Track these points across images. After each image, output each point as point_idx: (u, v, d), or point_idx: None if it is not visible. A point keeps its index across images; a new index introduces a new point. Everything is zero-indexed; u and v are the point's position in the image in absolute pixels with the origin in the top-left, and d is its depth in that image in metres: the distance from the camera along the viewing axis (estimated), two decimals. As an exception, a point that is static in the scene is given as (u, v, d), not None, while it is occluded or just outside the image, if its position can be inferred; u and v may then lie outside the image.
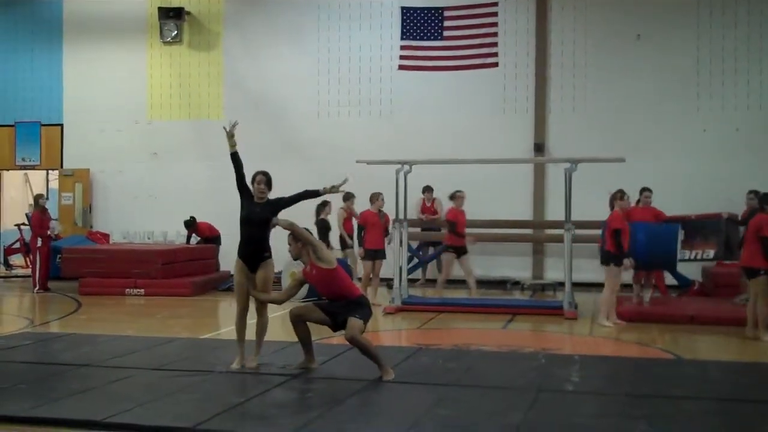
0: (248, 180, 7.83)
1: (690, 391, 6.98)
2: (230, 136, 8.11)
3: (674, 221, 12.31)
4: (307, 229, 7.53)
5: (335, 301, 7.54)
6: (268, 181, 7.83)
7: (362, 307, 7.49)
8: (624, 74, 16.40)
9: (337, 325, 7.50)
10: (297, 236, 7.45)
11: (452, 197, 13.58)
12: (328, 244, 13.79)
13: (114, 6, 18.75)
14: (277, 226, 7.58)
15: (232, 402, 6.47)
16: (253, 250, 7.75)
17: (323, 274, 7.45)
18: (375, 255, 13.23)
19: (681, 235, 11.98)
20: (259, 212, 7.72)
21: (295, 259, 7.69)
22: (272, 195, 7.85)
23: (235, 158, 7.91)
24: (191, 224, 16.79)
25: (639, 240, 11.36)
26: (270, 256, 7.80)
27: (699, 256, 12.26)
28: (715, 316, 11.43)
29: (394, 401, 6.70)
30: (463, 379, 7.39)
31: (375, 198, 13.32)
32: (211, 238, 16.95)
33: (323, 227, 13.80)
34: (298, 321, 7.60)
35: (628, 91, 16.36)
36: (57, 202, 19.20)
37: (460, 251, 13.42)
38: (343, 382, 7.17)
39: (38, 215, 15.53)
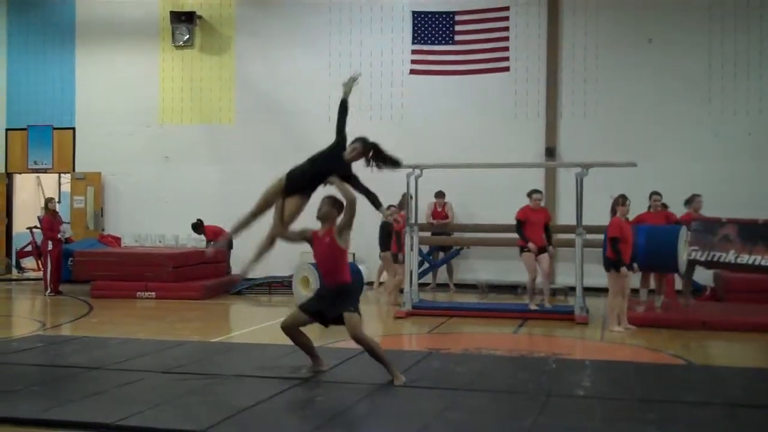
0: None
1: (701, 397, 6.95)
2: (353, 80, 8.05)
3: (735, 224, 12.17)
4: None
5: (325, 287, 7.55)
6: (364, 152, 7.72)
7: (352, 296, 7.59)
8: (635, 79, 16.36)
9: (328, 320, 7.53)
10: (348, 208, 7.38)
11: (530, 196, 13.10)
12: (388, 248, 13.91)
13: (126, 10, 18.82)
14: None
15: (242, 405, 6.47)
16: (303, 181, 7.62)
17: (333, 249, 7.44)
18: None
19: (687, 236, 11.91)
20: (336, 161, 7.62)
21: (318, 218, 7.58)
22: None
23: (344, 105, 7.93)
24: (198, 227, 16.80)
25: (639, 242, 11.34)
26: (308, 199, 7.69)
27: (758, 262, 11.99)
28: (727, 322, 11.38)
29: (404, 405, 6.70)
30: (474, 384, 7.38)
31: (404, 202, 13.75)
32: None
33: (386, 231, 13.81)
34: (291, 330, 7.62)
35: (639, 95, 16.32)
36: (69, 206, 19.28)
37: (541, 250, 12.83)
38: (353, 386, 7.17)
39: (49, 219, 15.59)
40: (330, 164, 7.63)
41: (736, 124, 15.94)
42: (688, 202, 12.78)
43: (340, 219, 7.54)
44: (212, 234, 16.60)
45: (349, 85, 8.01)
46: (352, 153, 7.67)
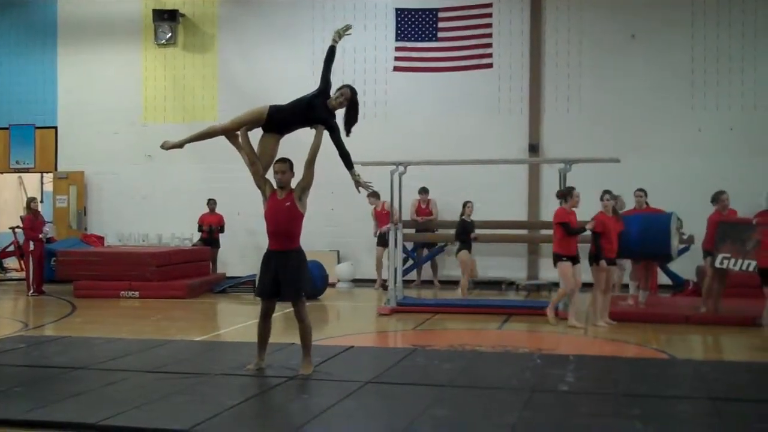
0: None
1: (685, 391, 7.01)
2: (346, 28, 8.22)
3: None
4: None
5: (273, 253, 7.51)
6: (351, 99, 7.92)
7: (305, 273, 7.59)
8: (618, 74, 16.43)
9: (277, 291, 7.53)
10: (309, 164, 7.49)
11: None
12: (466, 246, 13.82)
13: (108, 8, 18.74)
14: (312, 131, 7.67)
15: (228, 404, 6.45)
16: (282, 121, 7.80)
17: (292, 213, 7.46)
18: None
19: (678, 224, 11.90)
20: (319, 107, 7.78)
21: (279, 186, 7.56)
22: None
23: (332, 52, 8.14)
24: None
25: (632, 231, 11.35)
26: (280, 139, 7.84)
27: None
28: (710, 316, 11.43)
29: (390, 402, 6.71)
30: (459, 380, 7.40)
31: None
32: (218, 228, 17.01)
33: (464, 228, 13.83)
34: (266, 320, 7.71)
35: (622, 90, 16.39)
36: (52, 205, 19.19)
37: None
38: (339, 384, 7.16)
39: (30, 218, 15.51)
40: (312, 110, 7.74)
41: (719, 119, 16.02)
42: (714, 200, 11.95)
43: (297, 181, 7.55)
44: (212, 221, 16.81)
45: (340, 33, 8.05)
46: (339, 99, 7.79)
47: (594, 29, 16.63)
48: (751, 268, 10.84)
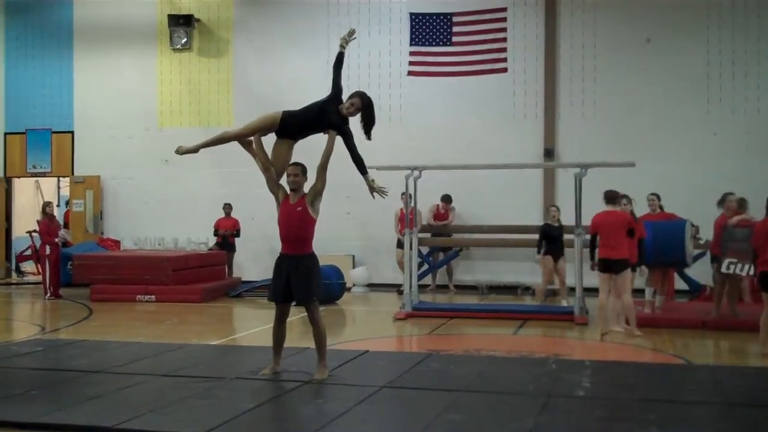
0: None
1: (701, 397, 6.97)
2: (351, 33, 8.21)
3: None
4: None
5: (285, 258, 7.53)
6: (362, 108, 7.93)
7: (317, 277, 7.59)
8: (633, 78, 16.38)
9: (289, 295, 7.54)
10: (322, 169, 7.54)
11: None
12: (549, 252, 13.62)
13: (124, 13, 18.83)
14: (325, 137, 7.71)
15: (243, 408, 6.47)
16: (295, 127, 7.82)
17: (305, 218, 7.49)
18: None
19: (693, 231, 11.84)
20: (331, 113, 7.81)
21: (291, 189, 7.61)
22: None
23: (340, 58, 8.14)
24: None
25: (646, 238, 11.27)
26: (296, 137, 7.89)
27: None
28: (726, 322, 11.37)
29: (405, 407, 6.70)
30: (474, 385, 7.38)
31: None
32: (233, 232, 17.02)
33: (544, 232, 13.69)
34: (280, 326, 7.72)
35: (637, 95, 16.33)
36: (68, 209, 19.28)
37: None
38: (354, 388, 7.16)
39: (46, 223, 15.60)
40: (324, 115, 7.77)
41: (734, 122, 15.95)
42: (721, 202, 11.82)
43: (310, 186, 7.58)
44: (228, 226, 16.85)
45: (345, 39, 8.08)
46: (350, 109, 7.77)
47: (609, 33, 16.58)
48: (752, 272, 10.76)
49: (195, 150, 8.25)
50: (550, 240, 13.61)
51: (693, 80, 16.12)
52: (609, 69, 16.53)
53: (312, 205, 7.55)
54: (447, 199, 16.53)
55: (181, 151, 8.30)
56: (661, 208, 12.59)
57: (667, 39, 16.30)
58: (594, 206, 11.37)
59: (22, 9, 19.50)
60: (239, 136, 8.04)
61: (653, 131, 16.17)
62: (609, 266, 10.68)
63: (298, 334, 9.82)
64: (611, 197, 10.93)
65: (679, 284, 14.35)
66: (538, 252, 13.88)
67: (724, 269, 11.06)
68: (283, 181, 7.74)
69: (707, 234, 14.00)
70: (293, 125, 7.80)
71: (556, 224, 13.65)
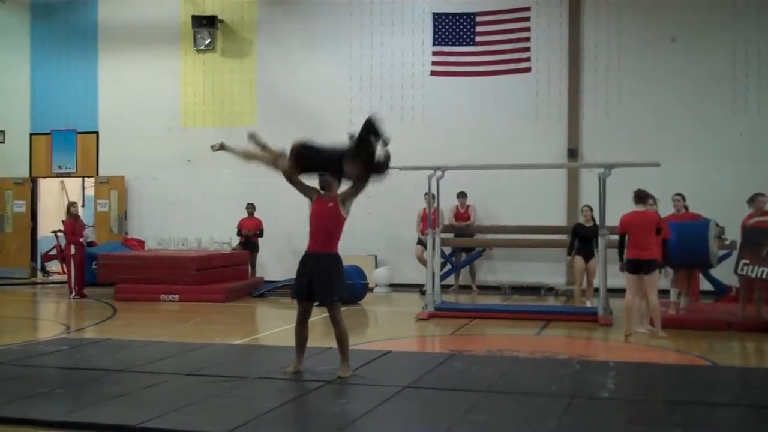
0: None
1: (727, 399, 6.89)
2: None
3: None
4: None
5: (311, 256, 7.57)
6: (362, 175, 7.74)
7: (340, 277, 7.62)
8: (658, 78, 16.26)
9: (312, 294, 7.56)
10: (359, 187, 7.59)
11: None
12: (579, 253, 13.61)
13: (148, 15, 18.94)
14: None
15: (267, 407, 6.47)
16: (312, 164, 7.73)
17: (335, 215, 7.57)
18: None
19: (717, 231, 11.73)
20: (341, 165, 7.68)
21: (321, 188, 7.69)
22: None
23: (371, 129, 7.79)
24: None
25: (670, 239, 11.17)
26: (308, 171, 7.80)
27: None
28: (752, 323, 11.26)
29: (428, 407, 6.69)
30: (497, 386, 7.35)
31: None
32: (256, 232, 17.06)
33: (575, 233, 13.72)
34: (302, 326, 7.77)
35: (662, 94, 16.21)
36: (93, 209, 19.43)
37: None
38: (377, 388, 7.16)
39: (71, 223, 15.70)
40: (336, 165, 7.68)
41: (760, 123, 15.79)
42: (750, 201, 11.59)
43: (343, 189, 7.67)
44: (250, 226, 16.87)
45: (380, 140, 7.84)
46: (352, 172, 7.64)
47: (633, 32, 16.47)
48: (764, 276, 10.70)
49: (228, 149, 8.40)
50: (581, 240, 13.55)
51: (718, 80, 15.97)
52: (633, 68, 16.42)
53: (343, 204, 7.62)
54: (462, 195, 16.44)
55: (215, 148, 8.47)
56: (686, 208, 12.47)
57: (692, 38, 16.17)
58: (619, 207, 11.30)
59: (47, 11, 19.65)
60: (277, 165, 8.05)
61: (678, 131, 16.05)
62: (639, 267, 10.58)
63: (321, 334, 9.81)
64: (642, 196, 10.80)
65: (705, 285, 14.22)
66: (569, 253, 13.82)
67: (738, 270, 11.00)
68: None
69: (733, 235, 13.89)
70: (309, 161, 7.76)
71: (589, 224, 13.57)
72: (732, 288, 14.07)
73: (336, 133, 17.76)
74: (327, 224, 7.61)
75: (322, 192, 7.71)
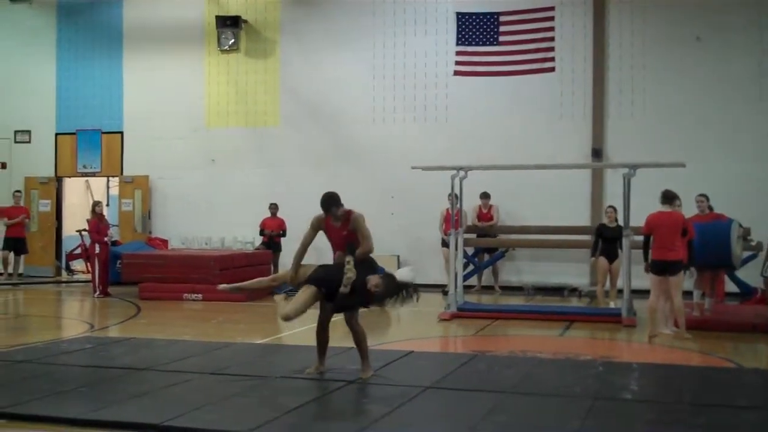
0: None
1: (752, 401, 6.83)
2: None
3: None
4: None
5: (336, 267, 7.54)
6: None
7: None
8: (683, 77, 16.14)
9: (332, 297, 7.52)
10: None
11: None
12: (602, 253, 13.59)
13: (172, 15, 19.04)
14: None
15: (289, 407, 6.49)
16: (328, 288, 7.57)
17: (349, 237, 7.61)
18: None
19: (741, 232, 11.61)
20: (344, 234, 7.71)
21: (335, 219, 7.70)
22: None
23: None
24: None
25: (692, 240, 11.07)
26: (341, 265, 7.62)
27: None
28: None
29: (451, 408, 6.67)
30: (520, 386, 7.32)
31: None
32: (279, 232, 17.08)
33: (598, 233, 13.71)
34: (324, 327, 7.79)
35: (688, 94, 16.08)
36: (117, 209, 19.55)
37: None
38: (399, 388, 7.16)
39: (95, 222, 15.81)
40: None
41: (787, 123, 15.65)
42: None
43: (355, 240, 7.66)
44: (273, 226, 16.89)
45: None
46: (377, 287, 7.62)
47: (658, 32, 16.35)
48: None
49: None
50: (605, 241, 13.48)
51: (744, 79, 15.83)
52: (658, 68, 16.30)
53: (355, 231, 7.65)
54: (486, 195, 16.39)
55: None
56: (710, 208, 12.36)
57: (718, 37, 16.03)
58: (643, 207, 11.23)
59: (73, 11, 19.80)
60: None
61: (704, 131, 15.91)
62: (664, 268, 10.48)
63: (342, 334, 9.78)
64: (670, 197, 10.69)
65: (731, 287, 14.10)
66: (593, 254, 13.75)
67: (764, 273, 10.90)
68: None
69: (760, 236, 13.78)
70: (327, 285, 7.54)
71: (613, 225, 13.49)
72: (758, 290, 13.95)
73: (358, 130, 17.85)
74: (345, 241, 7.63)
75: (330, 216, 7.70)
